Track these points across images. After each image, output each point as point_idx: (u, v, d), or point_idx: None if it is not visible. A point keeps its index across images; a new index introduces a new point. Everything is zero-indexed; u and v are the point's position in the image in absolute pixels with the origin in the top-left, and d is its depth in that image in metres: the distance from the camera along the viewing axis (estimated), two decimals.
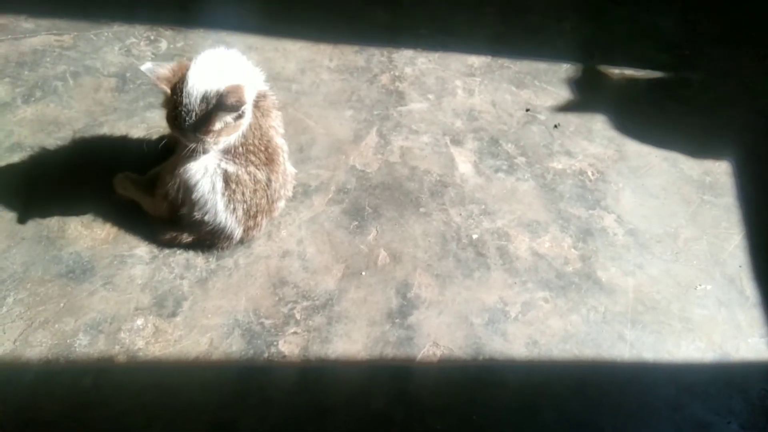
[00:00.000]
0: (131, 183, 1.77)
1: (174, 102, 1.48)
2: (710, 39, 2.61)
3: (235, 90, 1.46)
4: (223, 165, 1.61)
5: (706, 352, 1.72)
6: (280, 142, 1.71)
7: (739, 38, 2.62)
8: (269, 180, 1.68)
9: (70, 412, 1.47)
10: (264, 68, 2.20)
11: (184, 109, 1.46)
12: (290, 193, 1.82)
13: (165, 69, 1.49)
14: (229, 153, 1.60)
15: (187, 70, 1.48)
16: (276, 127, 1.70)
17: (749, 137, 2.27)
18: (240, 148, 1.60)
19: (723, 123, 2.31)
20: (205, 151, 1.54)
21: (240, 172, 1.62)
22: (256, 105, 1.61)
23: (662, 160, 2.16)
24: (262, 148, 1.64)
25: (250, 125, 1.60)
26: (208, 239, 1.72)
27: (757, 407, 1.64)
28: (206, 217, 1.64)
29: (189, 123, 1.47)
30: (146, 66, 1.48)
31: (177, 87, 1.47)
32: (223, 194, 1.62)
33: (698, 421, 1.61)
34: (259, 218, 1.72)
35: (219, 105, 1.45)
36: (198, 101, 1.46)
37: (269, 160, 1.66)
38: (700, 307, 1.81)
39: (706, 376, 1.68)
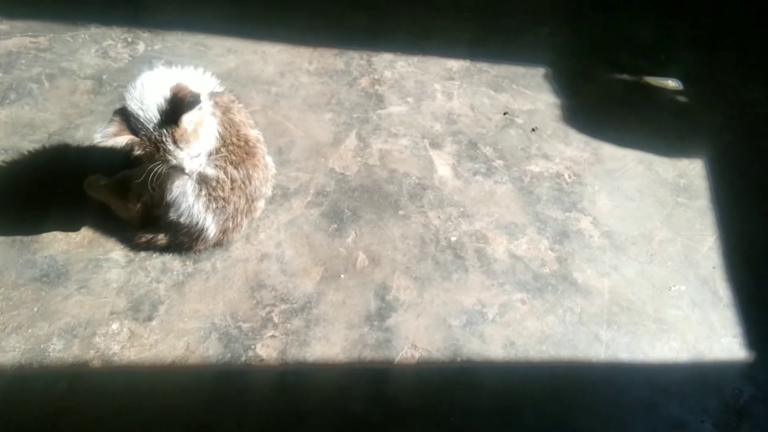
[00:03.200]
0: (102, 185, 1.75)
1: (142, 140, 1.46)
2: (686, 44, 2.65)
3: (179, 87, 1.45)
4: (203, 169, 1.60)
5: (680, 352, 1.75)
6: (254, 133, 1.70)
7: (714, 44, 2.67)
8: (249, 177, 1.66)
9: (44, 417, 1.45)
10: (243, 71, 2.22)
11: (153, 136, 1.44)
12: (270, 193, 1.81)
13: (113, 125, 1.45)
14: (208, 156, 1.59)
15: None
16: (245, 119, 1.68)
17: (723, 141, 2.31)
18: (220, 150, 1.60)
19: (697, 127, 2.35)
20: (196, 169, 1.54)
21: (219, 174, 1.61)
22: (216, 104, 1.59)
23: (638, 162, 2.19)
24: (241, 144, 1.63)
25: (222, 123, 1.59)
26: (185, 241, 1.70)
27: (730, 406, 1.67)
28: (182, 219, 1.63)
29: (167, 145, 1.45)
30: (98, 136, 1.43)
31: (136, 128, 1.45)
32: (199, 196, 1.61)
33: (673, 420, 1.63)
34: (238, 219, 1.71)
35: (175, 107, 1.43)
36: (158, 120, 1.44)
37: (249, 154, 1.65)
38: (675, 307, 1.83)
39: (680, 375, 1.71)
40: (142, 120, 1.45)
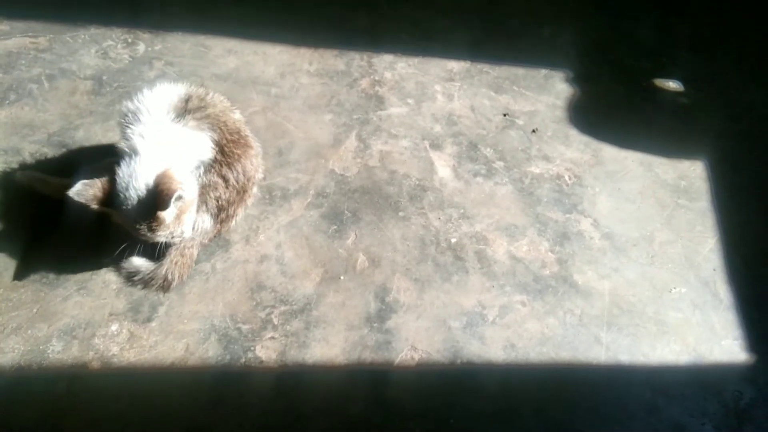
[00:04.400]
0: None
1: (119, 215, 1.47)
2: (687, 46, 2.65)
3: (164, 179, 1.42)
4: (200, 180, 1.61)
5: (680, 354, 1.74)
6: (237, 117, 1.69)
7: (715, 46, 2.67)
8: (243, 170, 1.65)
9: (43, 419, 1.45)
10: (243, 72, 2.22)
11: (129, 218, 1.45)
12: (261, 174, 1.79)
13: (93, 188, 1.44)
14: (206, 168, 1.61)
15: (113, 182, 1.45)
16: (227, 106, 1.67)
17: (724, 142, 2.30)
18: (216, 157, 1.60)
19: (698, 128, 2.35)
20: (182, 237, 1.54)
21: (212, 178, 1.61)
22: (197, 106, 1.58)
23: (638, 164, 2.19)
24: (234, 138, 1.63)
25: (212, 127, 1.58)
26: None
27: (731, 408, 1.67)
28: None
29: (142, 230, 1.46)
30: (73, 191, 1.42)
31: (116, 201, 1.45)
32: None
33: (673, 422, 1.62)
34: (232, 210, 1.70)
35: (155, 201, 1.41)
36: (136, 209, 1.44)
37: (244, 146, 1.65)
38: (675, 309, 1.83)
39: (680, 378, 1.70)
40: (122, 198, 1.44)
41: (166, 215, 1.43)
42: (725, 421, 1.64)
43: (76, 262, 1.68)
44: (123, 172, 1.45)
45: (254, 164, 1.71)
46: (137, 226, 1.45)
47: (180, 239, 1.55)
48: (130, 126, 1.50)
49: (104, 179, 1.46)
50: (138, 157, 1.45)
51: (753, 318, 1.83)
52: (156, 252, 1.61)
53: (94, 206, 1.45)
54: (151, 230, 1.45)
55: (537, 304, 1.78)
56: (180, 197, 1.43)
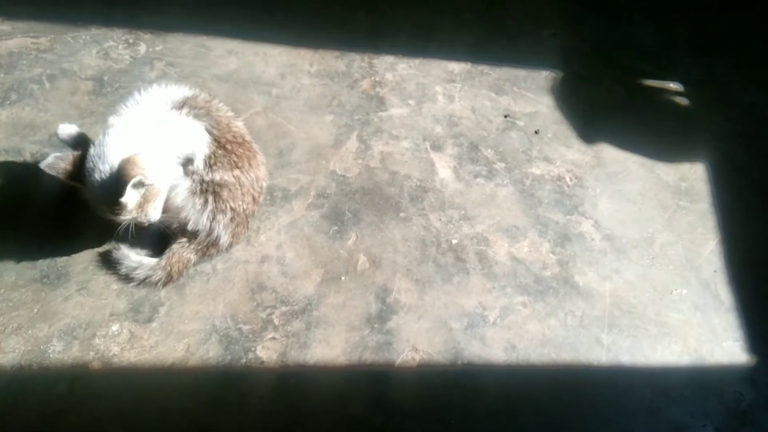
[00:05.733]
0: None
1: (86, 190, 1.48)
2: (687, 48, 2.66)
3: (127, 164, 1.42)
4: (208, 176, 1.61)
5: (681, 355, 1.74)
6: (241, 125, 1.72)
7: (715, 48, 2.67)
8: (257, 178, 1.70)
9: (44, 419, 1.44)
10: (244, 73, 2.22)
11: (103, 194, 1.45)
12: (266, 183, 1.82)
13: (64, 162, 1.47)
14: (207, 163, 1.61)
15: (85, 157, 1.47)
16: (231, 115, 1.70)
17: (724, 144, 2.31)
18: (217, 152, 1.60)
19: (699, 130, 2.35)
20: (149, 223, 1.55)
21: (228, 179, 1.63)
22: (195, 108, 1.60)
23: (639, 166, 2.19)
24: (239, 141, 1.66)
25: (213, 126, 1.60)
26: (198, 249, 1.69)
27: (732, 410, 1.67)
28: (199, 227, 1.65)
29: (104, 211, 1.47)
30: (44, 163, 1.46)
31: (87, 174, 1.47)
32: (206, 206, 1.63)
33: (674, 424, 1.62)
34: (247, 221, 1.74)
35: (117, 183, 1.42)
36: (104, 195, 1.45)
37: (250, 151, 1.69)
38: (676, 311, 1.83)
39: (681, 379, 1.70)
40: (87, 177, 1.46)
41: (127, 200, 1.43)
42: (726, 422, 1.64)
43: (75, 260, 1.68)
44: (93, 151, 1.47)
45: (263, 173, 1.75)
46: (100, 206, 1.48)
47: (147, 222, 1.54)
48: (124, 108, 1.55)
49: (77, 154, 1.50)
50: (108, 138, 1.47)
51: (754, 319, 1.83)
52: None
53: (65, 180, 1.48)
54: (113, 212, 1.47)
55: (538, 306, 1.78)
56: (141, 183, 1.43)
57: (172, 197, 1.60)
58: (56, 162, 1.47)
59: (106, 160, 1.44)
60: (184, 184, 1.60)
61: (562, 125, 2.27)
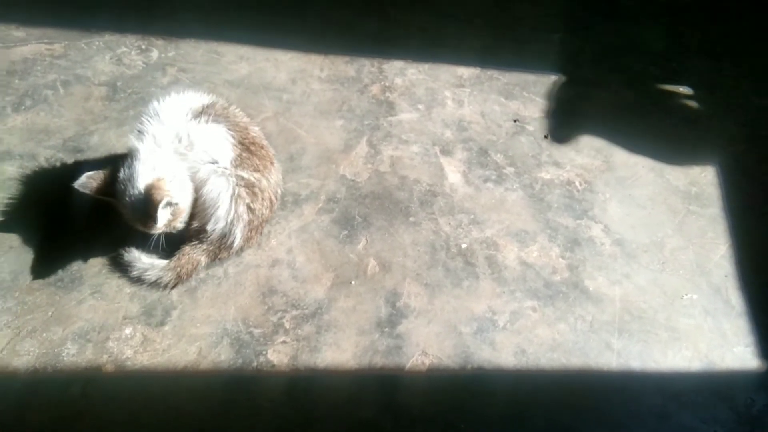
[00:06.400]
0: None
1: (121, 206, 1.58)
2: (696, 52, 2.65)
3: (153, 188, 1.52)
4: (238, 174, 1.66)
5: (692, 361, 1.74)
6: (259, 131, 1.77)
7: (725, 52, 2.66)
8: (278, 184, 1.77)
9: (58, 421, 1.46)
10: (255, 78, 2.24)
11: (136, 214, 1.56)
12: (281, 190, 1.84)
13: (96, 180, 1.58)
14: (234, 162, 1.65)
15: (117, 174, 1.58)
16: (248, 121, 1.75)
17: (735, 148, 2.30)
18: (242, 155, 1.65)
19: (709, 134, 2.34)
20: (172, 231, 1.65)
21: (252, 179, 1.67)
22: (214, 114, 1.65)
23: (649, 170, 2.18)
24: (258, 143, 1.70)
25: (232, 129, 1.65)
26: (209, 250, 1.71)
27: (743, 415, 1.66)
28: (217, 226, 1.68)
29: (151, 223, 1.55)
30: (79, 182, 1.57)
31: (117, 192, 1.58)
32: (236, 202, 1.66)
33: (685, 429, 1.62)
34: (262, 227, 1.77)
35: (149, 206, 1.51)
36: (137, 214, 1.55)
37: (267, 158, 1.72)
38: (687, 316, 1.82)
39: (692, 384, 1.70)
40: (121, 194, 1.57)
41: (159, 218, 1.53)
42: (737, 428, 1.63)
43: (89, 264, 1.70)
44: (122, 174, 1.57)
45: (280, 179, 1.80)
46: (134, 222, 1.58)
47: (176, 231, 1.66)
48: (145, 124, 1.62)
49: (107, 172, 1.61)
50: (137, 161, 1.56)
51: (765, 325, 1.82)
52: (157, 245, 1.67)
53: (98, 197, 1.58)
54: (146, 228, 1.57)
55: (548, 310, 1.78)
56: (169, 204, 1.55)
57: (205, 193, 1.65)
58: (88, 181, 1.58)
59: (135, 185, 1.54)
60: (218, 181, 1.64)
61: (571, 130, 2.27)
